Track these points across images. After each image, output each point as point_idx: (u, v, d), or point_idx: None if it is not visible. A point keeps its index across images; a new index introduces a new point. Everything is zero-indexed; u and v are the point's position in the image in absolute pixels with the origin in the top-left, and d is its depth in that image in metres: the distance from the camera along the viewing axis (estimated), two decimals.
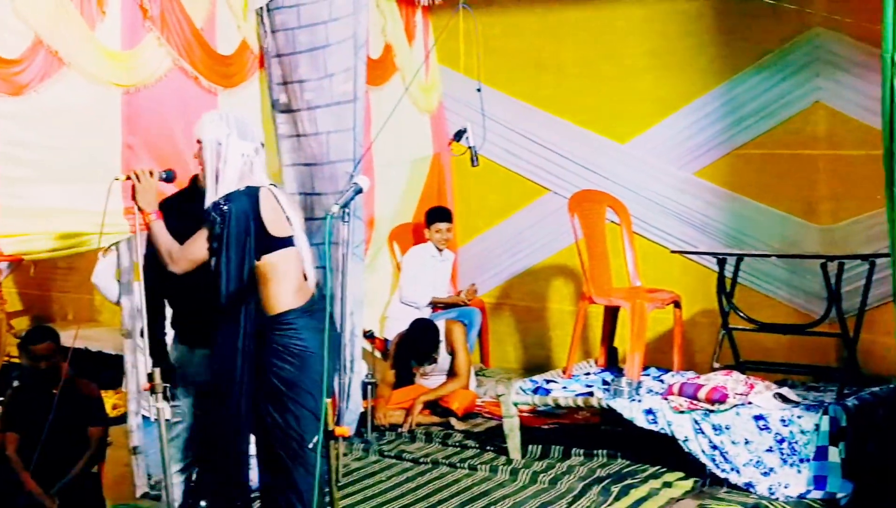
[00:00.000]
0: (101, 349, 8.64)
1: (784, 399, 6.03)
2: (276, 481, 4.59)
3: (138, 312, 5.49)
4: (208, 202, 4.48)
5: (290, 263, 4.56)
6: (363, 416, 6.93)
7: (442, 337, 7.49)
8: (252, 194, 4.48)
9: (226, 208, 4.40)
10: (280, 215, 4.56)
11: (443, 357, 7.52)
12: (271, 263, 4.50)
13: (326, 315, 4.40)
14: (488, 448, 6.73)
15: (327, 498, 4.52)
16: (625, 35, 8.25)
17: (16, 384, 6.13)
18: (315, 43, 6.78)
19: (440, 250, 8.29)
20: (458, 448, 6.82)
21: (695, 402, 6.05)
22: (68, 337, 5.88)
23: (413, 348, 7.46)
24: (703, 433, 5.94)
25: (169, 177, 4.50)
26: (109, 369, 7.93)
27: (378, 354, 8.00)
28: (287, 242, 4.55)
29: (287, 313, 4.51)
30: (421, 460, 6.56)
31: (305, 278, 4.61)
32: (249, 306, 4.51)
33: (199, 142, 4.56)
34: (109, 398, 7.66)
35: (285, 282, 4.53)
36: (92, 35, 5.60)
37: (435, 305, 8.28)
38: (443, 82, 9.00)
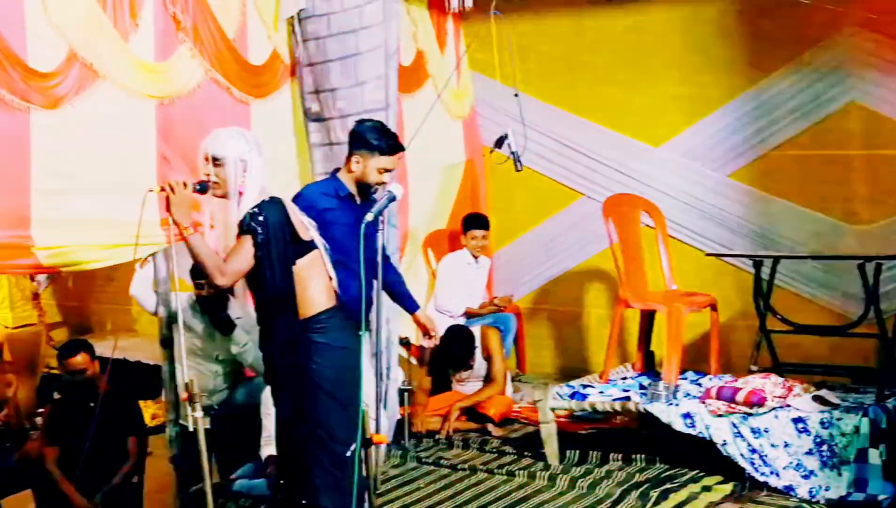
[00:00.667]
0: (139, 359, 8.70)
1: (823, 401, 5.99)
2: (294, 481, 4.62)
3: (175, 322, 5.54)
4: (237, 217, 4.49)
5: (318, 265, 4.60)
6: (400, 423, 6.95)
7: (477, 343, 7.48)
8: (278, 202, 4.52)
9: (262, 217, 4.43)
10: (301, 220, 4.60)
11: (479, 363, 7.51)
12: (305, 266, 4.53)
13: (362, 318, 4.54)
14: (526, 453, 6.71)
15: (366, 505, 4.52)
16: (657, 38, 8.23)
17: (56, 396, 6.19)
18: (346, 51, 6.80)
19: (475, 257, 8.27)
20: (496, 454, 6.81)
21: (733, 405, 6.02)
22: (107, 348, 5.93)
23: (449, 354, 7.45)
24: (741, 436, 5.91)
25: (203, 188, 4.51)
26: (148, 378, 7.99)
27: (414, 361, 8.01)
28: (312, 245, 4.59)
29: (321, 313, 4.54)
30: (458, 466, 6.55)
31: (330, 279, 4.65)
32: (289, 312, 4.54)
33: (214, 159, 4.48)
34: (148, 408, 7.73)
35: (317, 284, 4.57)
36: (126, 47, 5.65)
37: (469, 314, 8.26)
38: (475, 88, 9.00)
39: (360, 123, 5.41)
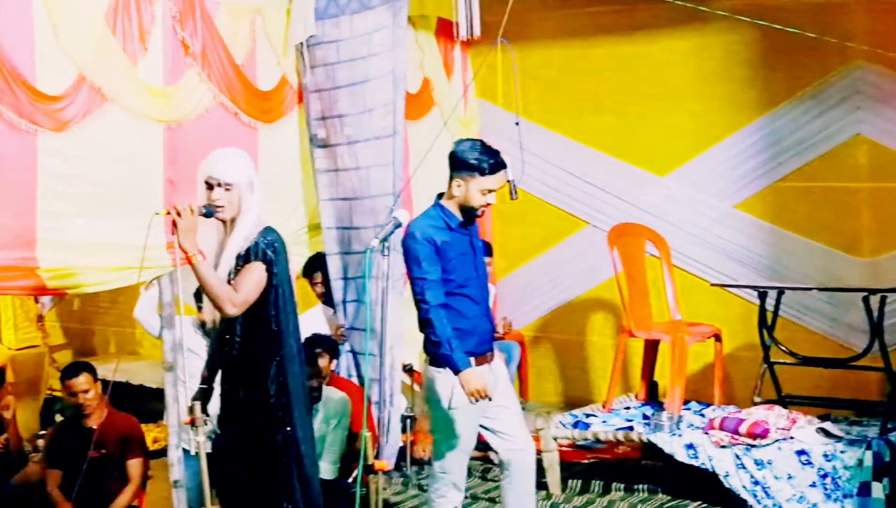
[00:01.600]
0: (142, 382, 8.69)
1: (827, 434, 5.97)
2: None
3: (179, 345, 5.54)
4: (238, 242, 4.50)
5: None
6: (402, 450, 6.93)
7: None
8: (273, 229, 4.58)
9: (276, 246, 4.46)
10: None
11: None
12: None
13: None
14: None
15: None
16: (664, 68, 8.23)
17: (58, 418, 6.18)
18: (354, 78, 6.84)
19: None
20: (498, 483, 6.78)
21: (736, 437, 6.01)
22: (110, 371, 5.93)
23: None
24: (744, 468, 5.89)
25: (209, 212, 4.51)
26: (150, 402, 7.98)
27: (417, 388, 7.98)
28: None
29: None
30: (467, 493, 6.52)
31: None
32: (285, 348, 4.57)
33: (223, 183, 4.48)
34: (150, 432, 7.71)
35: None
36: (134, 71, 5.69)
37: None
38: (481, 116, 9.01)
39: (458, 143, 5.09)
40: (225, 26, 6.31)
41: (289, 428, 4.51)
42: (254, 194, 4.52)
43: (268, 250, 4.44)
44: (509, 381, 5.33)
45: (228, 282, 4.44)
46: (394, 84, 6.75)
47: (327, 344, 6.38)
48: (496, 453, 6.75)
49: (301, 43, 6.90)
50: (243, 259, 4.47)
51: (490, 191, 4.97)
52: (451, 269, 4.87)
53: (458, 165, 4.98)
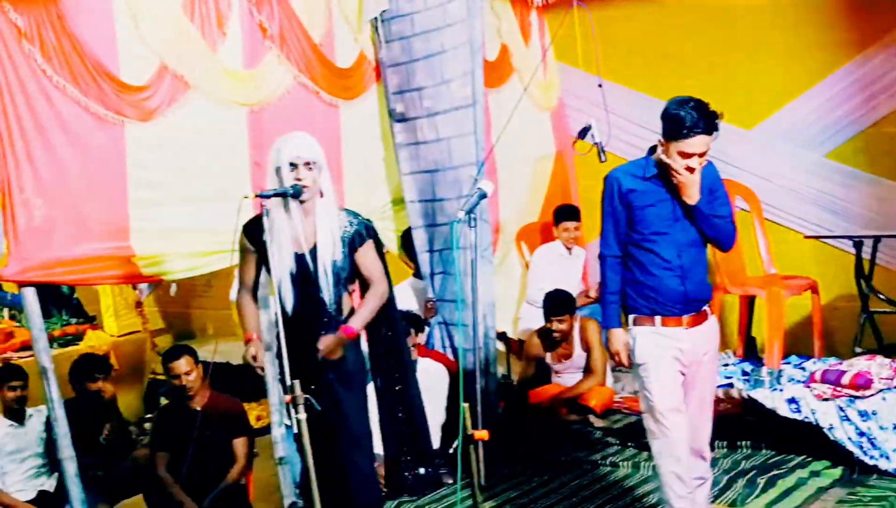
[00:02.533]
0: (241, 362, 8.82)
1: None
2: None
3: (276, 324, 5.60)
4: (331, 224, 4.63)
5: None
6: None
7: (577, 334, 7.43)
8: (349, 209, 4.81)
9: (367, 221, 4.62)
10: None
11: (578, 354, 7.46)
12: None
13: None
14: (629, 444, 6.67)
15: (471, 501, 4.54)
16: (745, 19, 8.10)
17: (163, 401, 6.29)
18: (431, 50, 6.83)
19: (569, 249, 8.22)
20: (599, 446, 6.78)
21: (838, 389, 5.91)
22: (209, 353, 6.04)
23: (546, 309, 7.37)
24: (849, 420, 5.80)
25: (298, 192, 4.55)
26: (252, 381, 8.11)
27: (514, 355, 8.01)
28: None
29: None
30: (562, 458, 6.53)
31: None
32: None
33: (308, 163, 4.56)
34: (253, 410, 7.84)
35: None
36: (215, 57, 5.75)
37: None
38: (562, 79, 8.96)
39: (670, 101, 4.54)
40: (300, 6, 6.33)
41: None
42: (325, 174, 4.61)
43: (371, 228, 4.60)
44: (713, 359, 4.82)
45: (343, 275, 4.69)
46: (471, 53, 6.73)
47: (409, 319, 6.48)
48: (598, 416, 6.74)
49: (375, 18, 6.91)
50: (357, 242, 4.67)
51: (688, 155, 4.44)
52: (637, 219, 4.61)
53: (663, 126, 4.53)
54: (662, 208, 4.59)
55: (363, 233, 4.68)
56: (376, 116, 7.12)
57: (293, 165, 4.53)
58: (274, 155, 4.60)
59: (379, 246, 4.86)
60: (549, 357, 7.46)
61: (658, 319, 4.61)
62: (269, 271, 4.61)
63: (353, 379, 4.80)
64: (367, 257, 4.71)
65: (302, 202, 4.56)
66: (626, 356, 4.69)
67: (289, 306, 4.61)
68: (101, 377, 6.56)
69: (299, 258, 4.59)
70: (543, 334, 7.40)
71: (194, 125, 5.64)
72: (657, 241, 4.60)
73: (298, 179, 4.52)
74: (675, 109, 4.43)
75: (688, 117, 4.38)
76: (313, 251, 4.59)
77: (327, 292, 4.61)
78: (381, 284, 4.76)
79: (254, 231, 4.62)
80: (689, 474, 4.63)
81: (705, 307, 4.69)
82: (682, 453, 4.61)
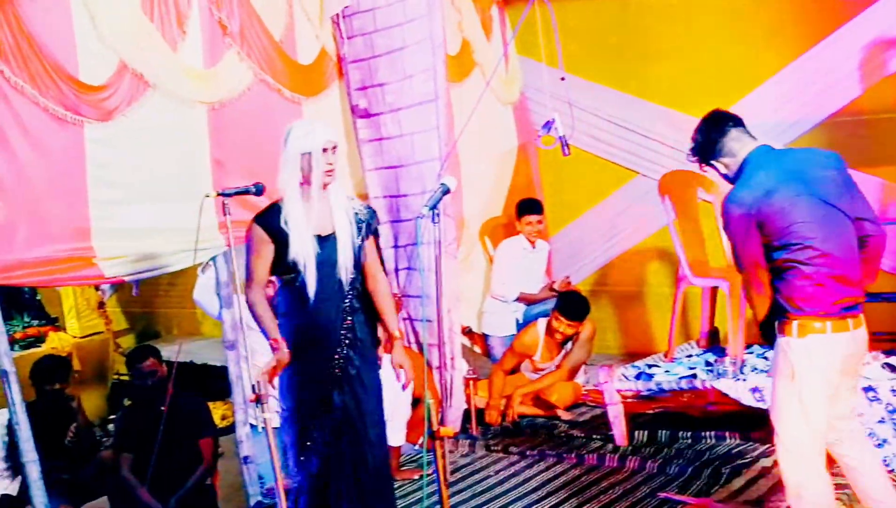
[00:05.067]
0: (206, 361, 8.79)
1: (893, 369, 5.90)
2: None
3: (239, 323, 5.59)
4: (347, 206, 4.69)
5: None
6: (467, 412, 6.95)
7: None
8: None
9: (374, 214, 4.69)
10: None
11: (560, 356, 7.45)
12: None
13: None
14: (595, 436, 6.70)
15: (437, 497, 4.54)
16: (704, 11, 8.14)
17: (126, 402, 6.26)
18: (392, 45, 6.83)
19: (532, 243, 8.22)
20: (564, 439, 6.80)
21: None
22: (173, 352, 6.00)
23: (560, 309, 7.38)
24: None
25: (259, 190, 4.54)
26: (216, 380, 8.08)
27: (478, 349, 8.01)
28: None
29: None
30: (527, 453, 6.55)
31: None
32: None
33: (336, 146, 4.63)
34: (218, 409, 7.81)
35: None
36: (174, 55, 5.71)
37: (527, 299, 8.20)
38: (524, 73, 8.97)
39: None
40: (260, 3, 6.30)
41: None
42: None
43: (377, 220, 4.70)
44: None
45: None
46: (433, 48, 6.73)
47: None
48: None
49: (337, 14, 6.90)
50: (367, 231, 4.75)
51: None
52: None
53: None
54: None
55: (371, 223, 4.78)
56: (339, 112, 7.10)
57: (325, 150, 4.54)
58: (300, 140, 4.55)
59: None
60: (538, 356, 7.49)
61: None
62: (280, 260, 4.61)
63: (370, 359, 4.87)
64: (372, 248, 4.81)
65: (324, 187, 4.59)
66: None
67: (311, 291, 4.59)
68: (62, 380, 6.51)
69: (321, 241, 4.61)
70: (549, 330, 7.40)
71: (154, 124, 5.60)
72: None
73: (330, 163, 4.57)
74: None
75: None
76: (331, 236, 4.64)
77: (345, 274, 4.64)
78: (385, 279, 4.92)
79: (270, 220, 4.58)
80: None
81: None
82: None
